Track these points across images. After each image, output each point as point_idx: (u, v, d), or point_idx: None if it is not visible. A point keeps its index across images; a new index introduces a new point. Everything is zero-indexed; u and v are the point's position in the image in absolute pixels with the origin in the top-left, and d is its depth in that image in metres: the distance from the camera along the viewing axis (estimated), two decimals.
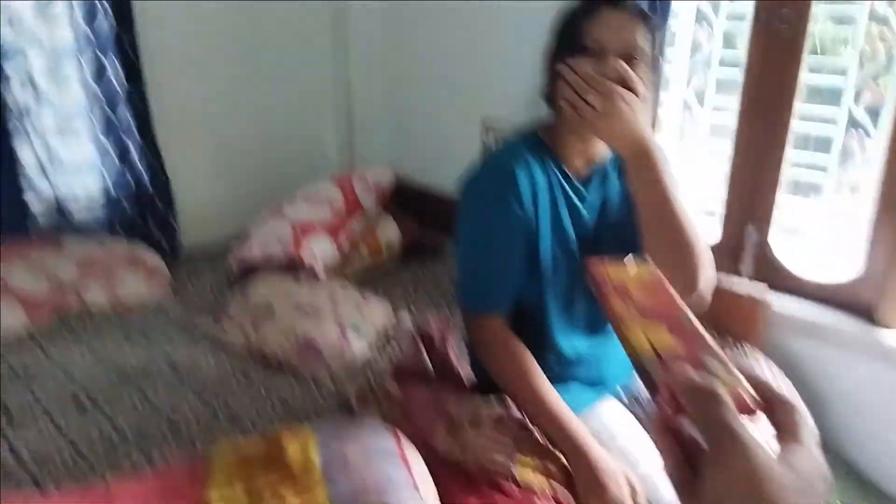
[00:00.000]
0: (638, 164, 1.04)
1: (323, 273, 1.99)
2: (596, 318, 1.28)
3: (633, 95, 1.00)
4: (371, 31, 2.62)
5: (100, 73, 2.04)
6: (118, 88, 2.06)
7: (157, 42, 2.18)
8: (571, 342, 1.26)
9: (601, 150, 1.19)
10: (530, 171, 1.15)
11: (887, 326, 1.61)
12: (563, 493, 1.13)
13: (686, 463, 0.42)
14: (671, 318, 0.46)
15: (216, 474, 1.02)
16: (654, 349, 0.43)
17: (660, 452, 0.43)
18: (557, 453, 1.16)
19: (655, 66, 1.11)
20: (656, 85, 1.81)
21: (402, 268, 2.28)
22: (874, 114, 1.93)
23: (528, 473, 1.14)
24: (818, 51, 1.96)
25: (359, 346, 1.70)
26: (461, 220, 1.24)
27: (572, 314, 1.25)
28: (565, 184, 1.19)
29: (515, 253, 1.18)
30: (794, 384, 1.65)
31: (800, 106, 1.74)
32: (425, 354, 1.49)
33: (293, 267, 1.99)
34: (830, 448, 1.69)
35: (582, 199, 1.20)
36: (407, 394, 1.38)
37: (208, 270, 2.20)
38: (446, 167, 2.49)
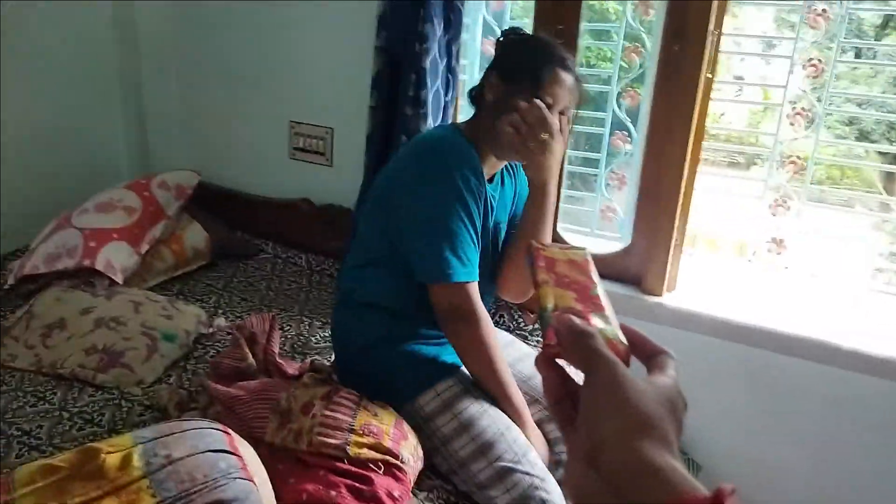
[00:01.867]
0: (543, 198, 1.35)
1: (121, 280, 1.85)
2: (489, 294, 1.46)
3: (561, 145, 1.30)
4: (163, 32, 2.47)
5: None
6: None
7: None
8: None
9: (500, 165, 1.41)
10: (473, 158, 1.30)
11: (652, 293, 1.90)
12: (408, 458, 1.20)
13: (567, 398, 0.48)
14: (581, 289, 0.55)
15: (23, 497, 0.92)
16: (556, 307, 0.51)
17: (544, 388, 0.50)
18: (388, 411, 1.26)
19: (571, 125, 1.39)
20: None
21: (211, 271, 2.19)
22: (634, 115, 2.26)
23: (363, 450, 1.18)
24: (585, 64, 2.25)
25: (170, 352, 1.62)
26: (426, 189, 1.27)
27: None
28: (485, 182, 1.34)
29: (478, 223, 1.30)
30: None
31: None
32: (248, 351, 1.47)
33: (85, 278, 1.82)
34: None
35: (492, 199, 1.39)
36: (230, 391, 1.35)
37: None
38: (253, 169, 2.45)
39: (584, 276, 0.57)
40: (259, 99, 2.36)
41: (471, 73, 2.42)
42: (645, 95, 1.98)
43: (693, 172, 1.86)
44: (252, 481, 1.01)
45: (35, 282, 1.86)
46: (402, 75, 1.86)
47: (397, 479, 1.17)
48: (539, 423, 1.36)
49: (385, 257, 1.35)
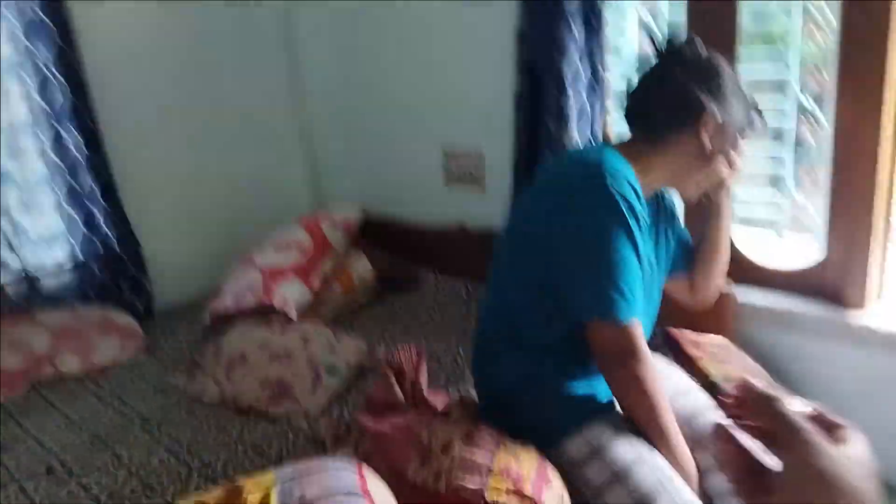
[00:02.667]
0: (726, 209, 1.40)
1: (295, 315, 1.99)
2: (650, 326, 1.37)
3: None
4: (325, 66, 2.66)
5: (58, 144, 2.06)
6: (79, 157, 2.09)
7: (114, 108, 2.21)
8: None
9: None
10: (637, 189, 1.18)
11: (854, 307, 1.62)
12: None
13: (749, 472, 0.49)
14: (736, 361, 0.59)
15: None
16: (725, 376, 0.55)
17: (720, 456, 0.51)
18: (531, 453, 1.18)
19: None
20: None
21: (376, 302, 2.28)
22: (820, 103, 1.97)
23: (501, 495, 1.13)
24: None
25: (333, 385, 1.70)
26: (585, 216, 1.16)
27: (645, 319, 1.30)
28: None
29: (640, 257, 1.18)
30: (769, 373, 1.65)
31: None
32: (395, 385, 1.49)
33: (265, 314, 1.99)
34: None
35: (649, 220, 1.27)
36: (379, 426, 1.37)
37: (184, 328, 2.20)
38: (410, 198, 2.53)
39: (735, 355, 0.62)
40: (412, 128, 2.44)
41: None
42: (832, 80, 1.70)
43: (894, 163, 1.56)
44: None
45: (227, 319, 2.08)
46: (544, 89, 1.80)
47: None
48: (702, 473, 1.20)
49: (532, 289, 1.24)
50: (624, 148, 1.24)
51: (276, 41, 2.67)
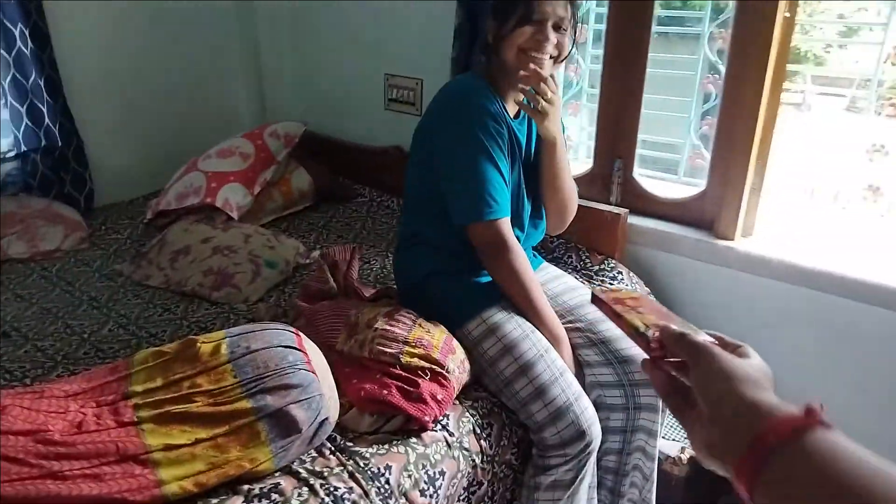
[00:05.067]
0: (550, 148, 1.47)
1: (237, 216, 2.14)
2: (527, 221, 1.58)
3: (559, 99, 1.41)
4: None
5: (8, 42, 2.08)
6: (24, 51, 2.12)
7: (63, 7, 2.23)
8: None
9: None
10: (493, 101, 1.43)
11: (724, 237, 1.91)
12: (453, 368, 1.37)
13: (673, 390, 0.62)
14: (655, 311, 0.73)
15: (137, 372, 1.19)
16: (646, 324, 0.69)
17: (654, 386, 0.64)
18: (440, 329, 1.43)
19: (575, 32, 1.45)
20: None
21: (314, 212, 2.45)
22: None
23: (414, 359, 1.36)
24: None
25: (271, 277, 1.88)
26: (453, 141, 1.42)
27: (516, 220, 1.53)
28: (508, 118, 1.47)
29: (506, 163, 1.43)
30: (652, 289, 1.95)
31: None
32: (330, 276, 1.69)
33: (208, 213, 2.13)
34: None
35: (520, 134, 1.50)
36: (313, 308, 1.58)
37: (125, 224, 2.31)
38: (353, 120, 2.67)
39: (649, 304, 0.76)
40: (359, 55, 2.56)
41: None
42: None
43: (773, 115, 1.82)
44: (314, 373, 1.21)
45: (168, 216, 2.20)
46: (479, 22, 1.97)
47: (441, 385, 1.34)
48: (575, 348, 1.47)
49: (432, 200, 1.48)
50: (485, 71, 1.48)
51: None
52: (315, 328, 1.52)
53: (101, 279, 1.93)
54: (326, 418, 1.21)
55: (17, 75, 2.13)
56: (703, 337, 0.61)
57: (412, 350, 1.37)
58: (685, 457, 1.66)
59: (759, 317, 1.88)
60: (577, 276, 1.93)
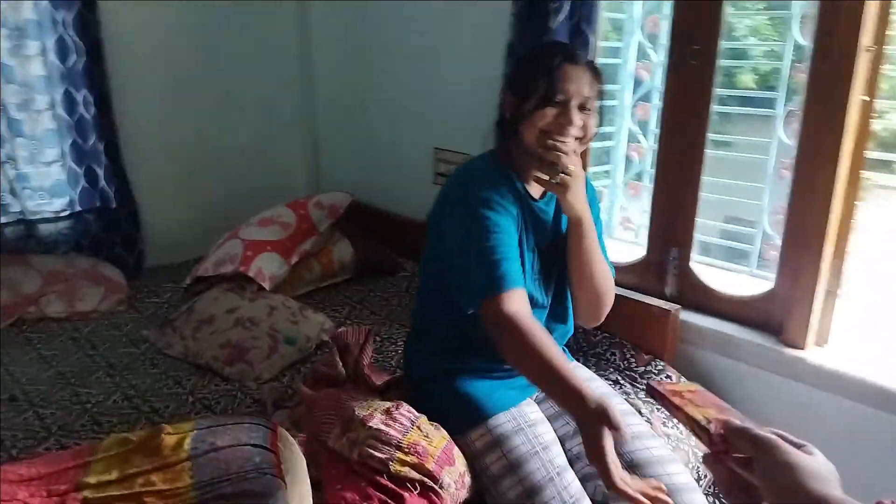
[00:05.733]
0: (580, 232, 1.32)
1: (269, 286, 2.09)
2: (555, 321, 1.44)
3: (581, 172, 1.27)
4: (334, 61, 2.77)
5: (71, 106, 2.19)
6: (86, 116, 2.21)
7: (127, 73, 2.33)
8: None
9: None
10: (507, 182, 1.33)
11: (793, 345, 1.66)
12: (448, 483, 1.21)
13: (737, 487, 0.63)
14: (715, 405, 0.74)
15: (99, 460, 1.10)
16: (707, 417, 0.70)
17: (715, 480, 0.64)
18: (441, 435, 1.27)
19: (601, 111, 1.33)
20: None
21: (353, 284, 2.38)
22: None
23: (405, 468, 1.21)
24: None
25: (289, 354, 1.79)
26: (454, 222, 1.30)
27: (541, 312, 1.39)
28: (529, 200, 1.36)
29: (515, 240, 1.29)
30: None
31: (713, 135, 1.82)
32: (339, 360, 1.58)
33: (241, 282, 2.09)
34: None
35: (544, 215, 1.38)
36: (314, 396, 1.47)
37: (167, 288, 2.31)
38: (402, 192, 2.62)
39: (708, 397, 0.77)
40: (409, 126, 2.53)
41: (620, 97, 2.35)
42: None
43: (850, 207, 1.60)
44: (282, 479, 1.08)
45: (206, 283, 2.19)
46: None
47: (431, 501, 1.18)
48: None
49: (442, 291, 1.36)
50: (500, 151, 1.37)
51: (291, 29, 2.78)
52: (313, 419, 1.40)
53: (127, 344, 1.91)
54: None
55: (78, 139, 2.22)
56: (766, 432, 0.63)
57: (404, 458, 1.22)
58: None
59: (829, 441, 1.57)
60: (621, 377, 1.73)
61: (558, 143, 1.23)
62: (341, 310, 2.18)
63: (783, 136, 2.13)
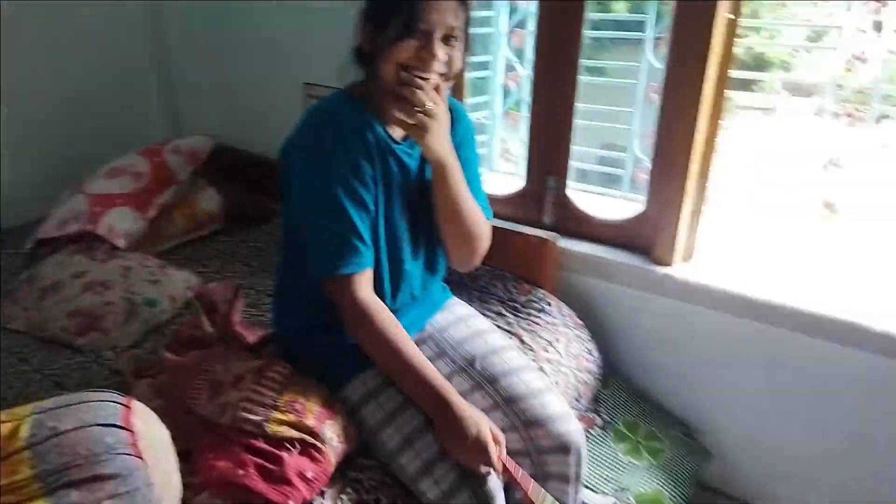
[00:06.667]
0: (443, 175, 1.20)
1: (123, 244, 1.89)
2: (427, 269, 1.36)
3: (443, 112, 1.15)
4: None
5: None
6: None
7: None
8: (407, 289, 1.32)
9: None
10: (360, 128, 1.19)
11: (662, 263, 1.71)
12: (331, 437, 1.15)
13: None
14: None
15: None
16: None
17: None
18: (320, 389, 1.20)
19: (468, 42, 1.20)
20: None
21: (224, 236, 2.21)
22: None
23: (283, 427, 1.14)
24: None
25: (149, 318, 1.64)
26: (305, 180, 1.18)
27: (403, 265, 1.30)
28: (391, 143, 1.23)
29: (370, 203, 1.19)
30: (586, 319, 1.75)
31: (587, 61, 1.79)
32: (205, 319, 1.46)
33: (91, 243, 1.88)
34: (620, 374, 1.80)
35: (409, 159, 1.26)
36: (179, 361, 1.35)
37: (9, 255, 2.05)
38: (271, 132, 2.44)
39: None
40: (274, 62, 2.34)
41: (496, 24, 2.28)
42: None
43: (714, 127, 1.64)
44: (140, 457, 0.98)
45: (50, 245, 1.95)
46: None
47: (314, 459, 1.12)
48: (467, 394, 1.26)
49: (295, 244, 1.26)
50: (361, 87, 1.23)
51: None
52: (178, 387, 1.29)
53: None
54: None
55: None
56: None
57: (281, 417, 1.15)
58: None
59: (701, 352, 1.69)
60: (504, 308, 1.73)
61: (415, 79, 1.12)
62: (211, 264, 2.02)
63: (652, 60, 2.16)
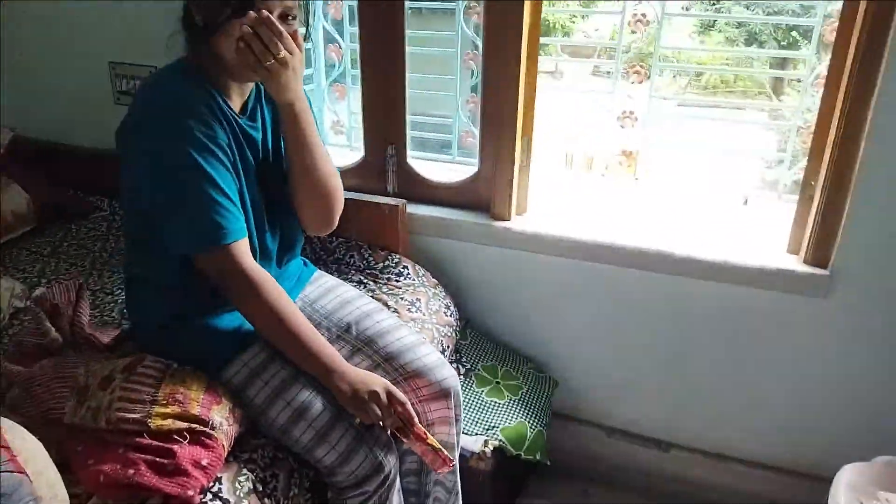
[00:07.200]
0: (294, 119, 1.20)
1: None
2: (283, 246, 1.35)
3: (298, 58, 1.15)
4: None
5: None
6: None
7: None
8: (267, 266, 1.30)
9: (250, 87, 1.26)
10: (205, 97, 1.15)
11: (500, 218, 1.88)
12: (220, 422, 1.15)
13: None
14: None
15: None
16: None
17: None
18: (199, 377, 1.19)
19: (307, 17, 1.24)
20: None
21: (38, 236, 2.01)
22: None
23: (167, 420, 1.12)
24: None
25: None
26: (156, 156, 1.11)
27: (262, 242, 1.28)
28: (233, 116, 1.20)
29: (229, 173, 1.15)
30: (439, 277, 1.87)
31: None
32: (49, 325, 1.35)
33: None
34: (475, 324, 1.96)
35: (254, 132, 1.24)
36: (29, 372, 1.25)
37: None
38: (77, 119, 2.23)
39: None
40: (74, 42, 2.13)
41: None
42: None
43: (532, 89, 1.81)
44: (23, 472, 0.92)
45: None
46: None
47: (206, 446, 1.12)
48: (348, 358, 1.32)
49: (148, 231, 1.20)
50: (192, 58, 1.21)
51: None
52: (34, 399, 1.20)
53: None
54: None
55: None
56: None
57: (164, 410, 1.13)
58: (489, 450, 1.61)
59: (544, 293, 1.89)
60: (363, 277, 1.79)
61: (269, 28, 1.09)
62: (30, 268, 1.84)
63: (465, 29, 2.29)
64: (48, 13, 2.14)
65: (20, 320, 1.58)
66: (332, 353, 1.20)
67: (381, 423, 1.17)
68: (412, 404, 1.23)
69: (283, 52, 1.11)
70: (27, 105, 2.28)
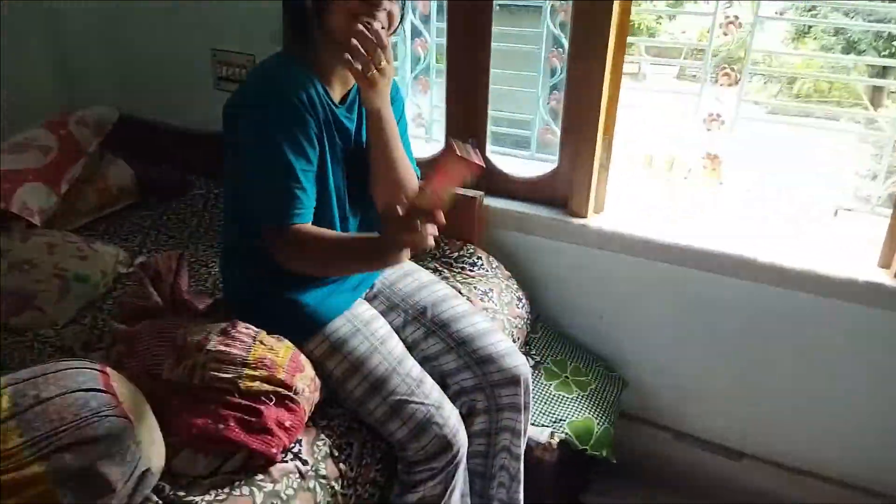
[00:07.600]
0: (380, 124, 1.27)
1: (39, 222, 1.82)
2: (363, 230, 1.40)
3: (392, 71, 1.22)
4: None
5: None
6: None
7: None
8: None
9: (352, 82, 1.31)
10: (305, 86, 1.20)
11: (577, 215, 1.88)
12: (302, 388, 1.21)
13: None
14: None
15: None
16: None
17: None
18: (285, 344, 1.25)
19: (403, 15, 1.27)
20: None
21: (140, 210, 2.16)
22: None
23: (255, 383, 1.19)
24: None
25: (83, 293, 1.61)
26: (250, 133, 1.19)
27: (344, 225, 1.34)
28: (332, 104, 1.26)
29: (313, 158, 1.21)
30: (513, 270, 1.89)
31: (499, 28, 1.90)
32: (152, 290, 1.46)
33: (2, 222, 1.79)
34: (546, 319, 1.97)
35: (348, 122, 1.30)
36: (133, 331, 1.35)
37: None
38: (179, 102, 2.38)
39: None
40: (180, 29, 2.27)
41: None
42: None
43: (616, 89, 1.80)
44: (127, 418, 1.01)
45: None
46: None
47: (290, 409, 1.19)
48: (433, 357, 1.37)
49: (241, 207, 1.28)
50: (299, 49, 1.25)
51: None
52: (136, 355, 1.30)
53: None
54: (148, 469, 1.02)
55: None
56: None
57: (253, 373, 1.20)
58: (555, 442, 1.63)
59: (618, 292, 1.88)
60: (439, 265, 1.84)
61: (371, 35, 1.15)
62: (133, 238, 1.98)
63: (551, 27, 2.30)
64: (161, 3, 2.29)
65: (123, 284, 1.71)
66: (357, 238, 1.30)
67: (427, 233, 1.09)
68: (482, 389, 1.26)
69: (384, 64, 1.17)
70: (134, 87, 2.45)
